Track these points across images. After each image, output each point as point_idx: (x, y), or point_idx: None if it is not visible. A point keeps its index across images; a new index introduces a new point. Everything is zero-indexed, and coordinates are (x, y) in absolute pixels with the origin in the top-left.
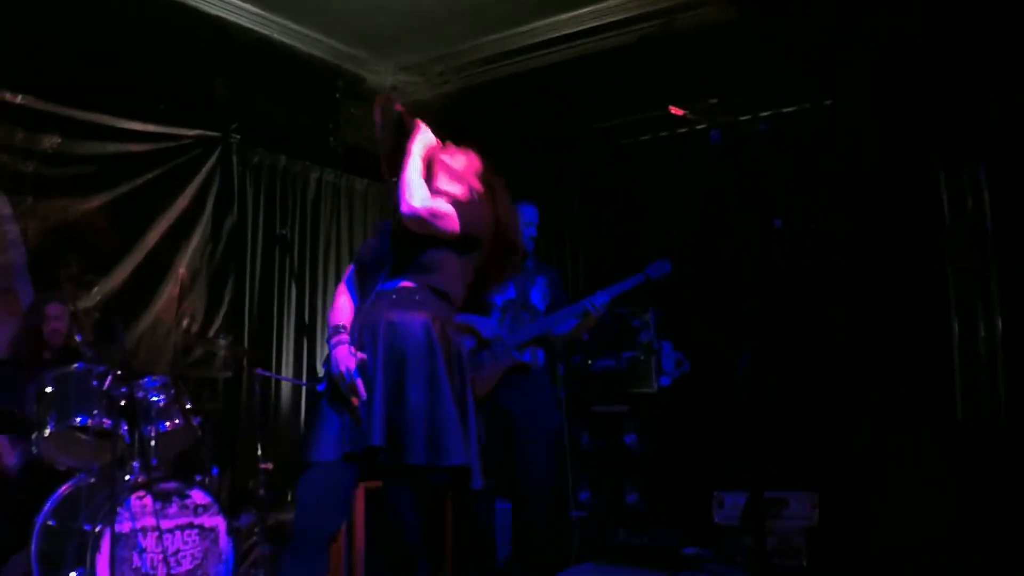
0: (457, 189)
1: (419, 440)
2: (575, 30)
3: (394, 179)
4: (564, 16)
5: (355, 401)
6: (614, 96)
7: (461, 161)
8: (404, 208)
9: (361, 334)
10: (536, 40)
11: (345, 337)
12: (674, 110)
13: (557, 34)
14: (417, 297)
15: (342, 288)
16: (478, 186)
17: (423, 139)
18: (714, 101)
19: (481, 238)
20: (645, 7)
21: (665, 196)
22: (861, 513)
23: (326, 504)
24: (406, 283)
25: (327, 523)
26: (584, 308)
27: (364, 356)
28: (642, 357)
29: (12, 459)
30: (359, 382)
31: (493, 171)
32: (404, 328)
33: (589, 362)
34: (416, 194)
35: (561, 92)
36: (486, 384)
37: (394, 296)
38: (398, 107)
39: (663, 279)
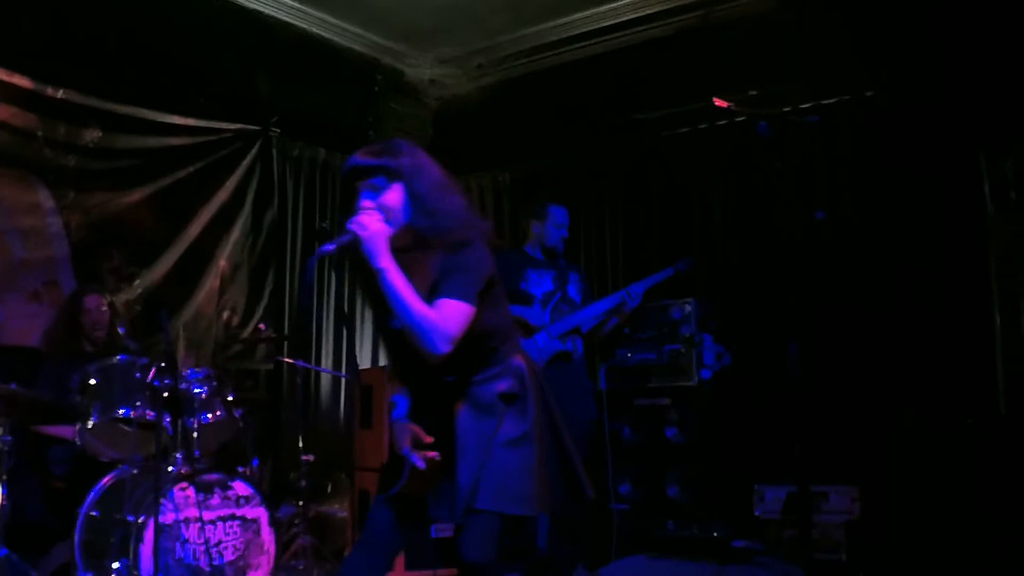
0: None
1: None
2: (614, 22)
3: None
4: (603, 8)
5: None
6: (653, 88)
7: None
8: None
9: None
10: (575, 32)
11: None
12: (718, 101)
13: (596, 26)
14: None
15: None
16: None
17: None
18: (754, 93)
19: None
20: None
21: (706, 188)
22: (901, 507)
23: None
24: None
25: None
26: (621, 299)
27: None
28: (683, 350)
29: None
30: None
31: None
32: None
33: (630, 355)
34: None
35: (600, 85)
36: None
37: None
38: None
39: (689, 270)
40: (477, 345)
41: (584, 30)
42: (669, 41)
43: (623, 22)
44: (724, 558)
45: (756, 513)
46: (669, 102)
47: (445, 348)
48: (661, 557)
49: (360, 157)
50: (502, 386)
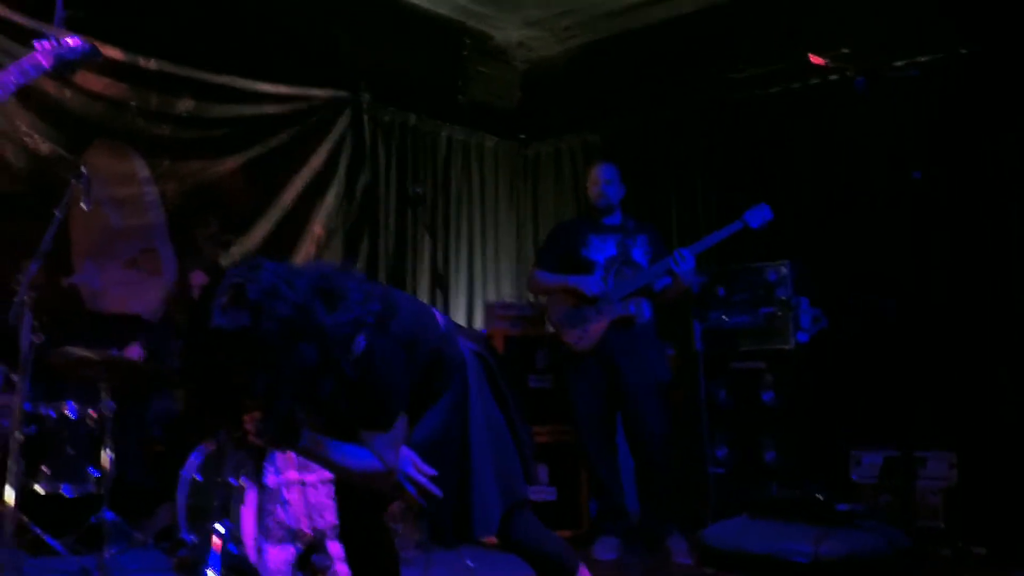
0: None
1: None
2: None
3: None
4: None
5: None
6: (744, 46)
7: None
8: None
9: None
10: None
11: None
12: (814, 58)
13: None
14: None
15: None
16: None
17: None
18: (846, 51)
19: None
20: None
21: (799, 147)
22: (1000, 473)
23: None
24: None
25: None
26: (668, 264)
27: None
28: (779, 313)
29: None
30: None
31: None
32: None
33: (725, 318)
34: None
35: (690, 43)
36: (591, 338)
37: None
38: None
39: (763, 227)
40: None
41: None
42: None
43: None
44: (828, 521)
45: (852, 478)
46: (761, 60)
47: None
48: (764, 519)
49: None
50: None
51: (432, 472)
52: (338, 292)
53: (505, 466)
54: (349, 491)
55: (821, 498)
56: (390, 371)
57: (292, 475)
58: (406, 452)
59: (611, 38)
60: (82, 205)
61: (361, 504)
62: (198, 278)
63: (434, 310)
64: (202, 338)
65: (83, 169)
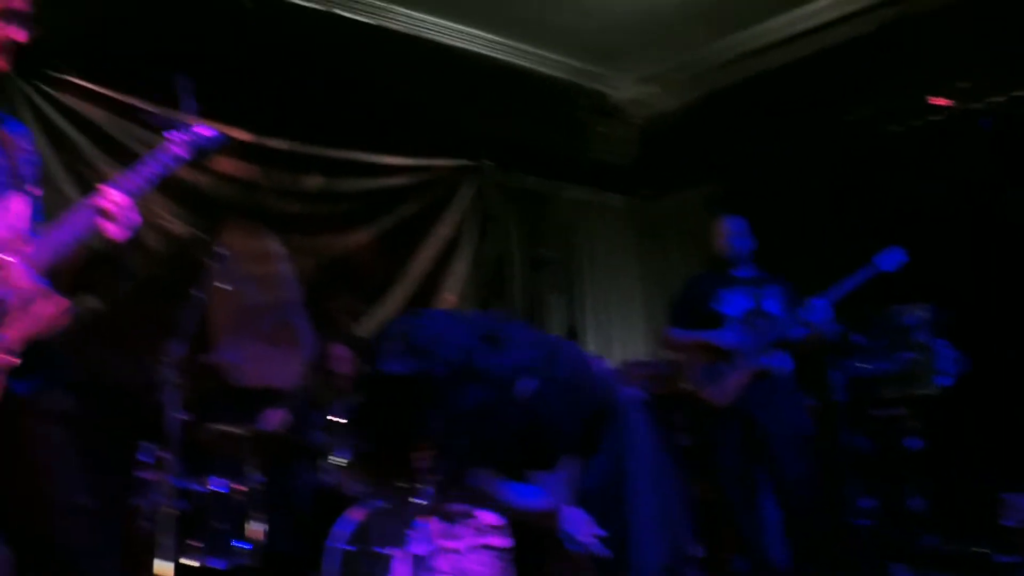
0: None
1: None
2: (812, 24)
3: None
4: (799, 11)
5: None
6: (859, 87)
7: None
8: None
9: None
10: (773, 39)
11: None
12: (934, 100)
13: (793, 30)
14: None
15: None
16: None
17: None
18: (965, 85)
19: None
20: None
21: (924, 187)
22: None
23: None
24: None
25: None
26: (807, 310)
27: None
28: (919, 357)
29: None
30: None
31: None
32: None
33: (864, 365)
34: None
35: (804, 88)
36: (730, 393)
37: None
38: None
39: (898, 270)
40: None
41: (782, 35)
42: (870, 38)
43: (820, 24)
44: (987, 573)
45: (1003, 523)
46: (878, 99)
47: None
48: (921, 570)
49: None
50: None
51: (601, 533)
52: (503, 337)
53: (670, 518)
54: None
55: (976, 550)
56: (557, 412)
57: (442, 543)
58: (578, 514)
59: (725, 89)
60: (222, 285)
61: None
62: (337, 350)
63: (598, 360)
64: (375, 384)
65: (220, 250)
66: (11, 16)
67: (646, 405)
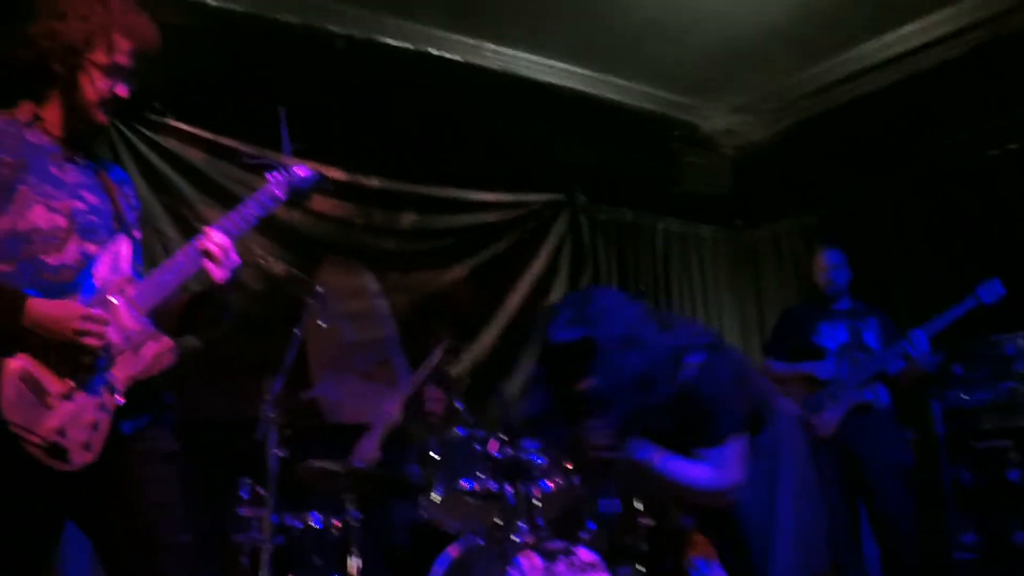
0: None
1: None
2: (902, 49)
3: None
4: (887, 37)
5: None
6: (952, 111)
7: None
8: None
9: None
10: (865, 65)
11: None
12: None
13: (885, 55)
14: None
15: None
16: None
17: None
18: None
19: None
20: (971, 16)
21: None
22: None
23: None
24: None
25: None
26: (903, 347)
27: None
28: (1020, 387)
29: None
30: None
31: None
32: None
33: (965, 396)
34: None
35: (899, 114)
36: (828, 426)
37: None
38: None
39: (997, 302)
40: None
41: (874, 61)
42: (962, 61)
43: (911, 48)
44: None
45: None
46: (972, 124)
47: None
48: None
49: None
50: None
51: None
52: (669, 322)
53: (808, 542)
54: None
55: None
56: (725, 386)
57: None
58: None
59: (817, 116)
60: (319, 322)
61: None
62: (432, 393)
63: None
64: (547, 353)
65: (319, 288)
66: (116, 72)
67: (800, 420)
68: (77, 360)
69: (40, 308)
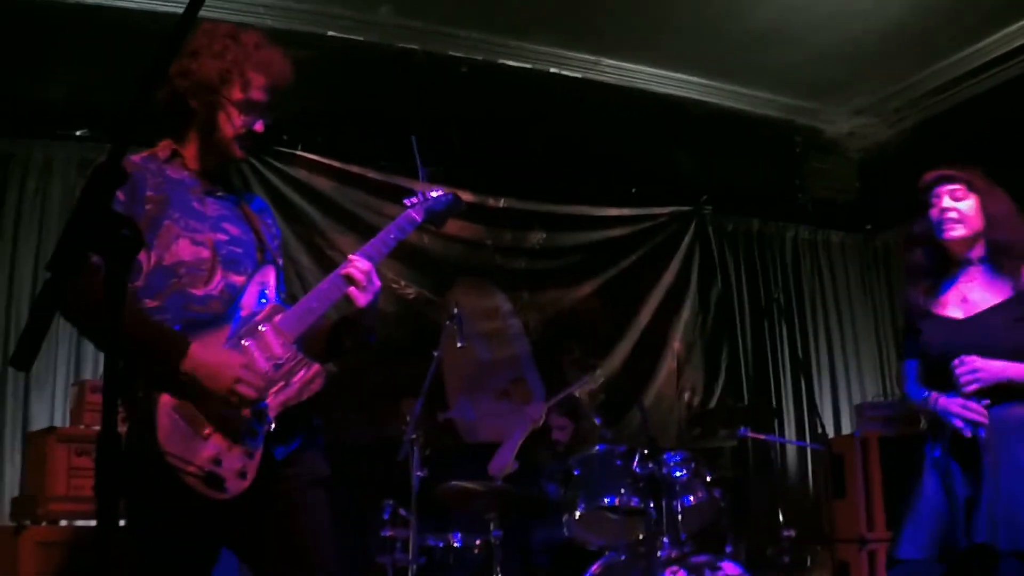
0: None
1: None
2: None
3: None
4: (1012, 28)
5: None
6: None
7: None
8: None
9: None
10: (987, 59)
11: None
12: None
13: (1008, 48)
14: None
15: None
16: None
17: None
18: None
19: None
20: None
21: None
22: None
23: None
24: None
25: None
26: None
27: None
28: None
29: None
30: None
31: None
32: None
33: None
34: None
35: (1019, 107)
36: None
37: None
38: None
39: None
40: None
41: (997, 54)
42: None
43: None
44: None
45: None
46: None
47: None
48: None
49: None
50: None
51: None
52: None
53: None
54: None
55: None
56: None
57: None
58: None
59: (942, 114)
60: (457, 343)
61: None
62: (557, 421)
63: None
64: None
65: (456, 310)
66: (251, 108)
67: None
68: (231, 407)
69: (200, 354)
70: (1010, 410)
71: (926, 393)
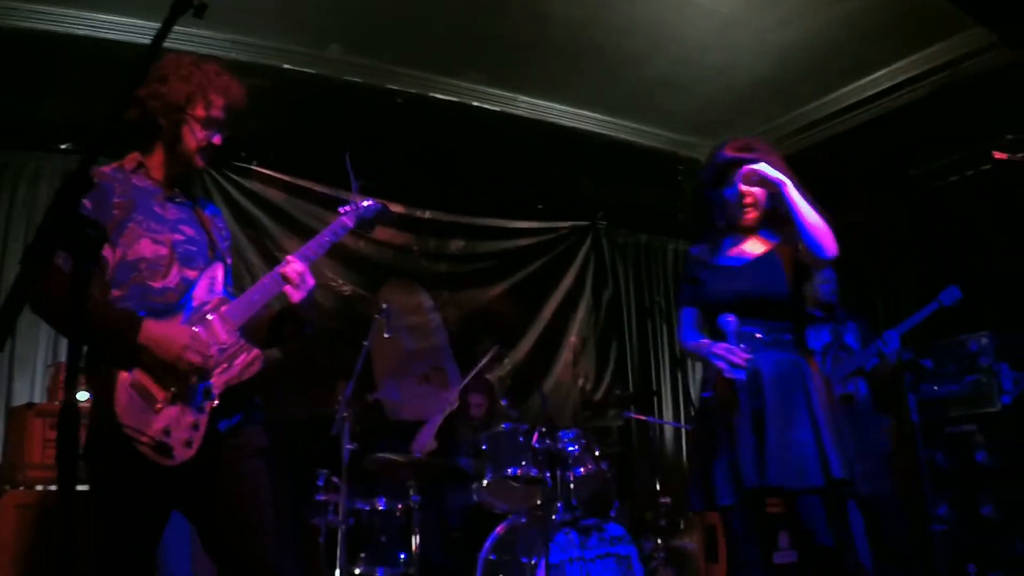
0: None
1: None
2: (874, 92)
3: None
4: (859, 83)
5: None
6: (917, 146)
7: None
8: (832, 251)
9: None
10: (841, 106)
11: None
12: (997, 155)
13: (859, 98)
14: (786, 338)
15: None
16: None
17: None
18: (1010, 137)
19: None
20: (932, 62)
21: (985, 228)
22: None
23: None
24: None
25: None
26: (878, 345)
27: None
28: (983, 379)
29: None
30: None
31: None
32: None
33: (936, 388)
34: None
35: (869, 149)
36: None
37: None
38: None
39: (956, 304)
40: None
41: (849, 103)
42: (926, 101)
43: (882, 91)
44: None
45: None
46: (936, 155)
47: (833, 254)
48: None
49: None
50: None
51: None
52: None
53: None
54: None
55: None
56: None
57: (574, 552)
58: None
59: (802, 152)
60: (385, 334)
61: None
62: (476, 398)
63: None
64: None
65: (385, 305)
66: (212, 124)
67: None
68: (180, 374)
69: (153, 329)
70: (781, 357)
71: (700, 339)
